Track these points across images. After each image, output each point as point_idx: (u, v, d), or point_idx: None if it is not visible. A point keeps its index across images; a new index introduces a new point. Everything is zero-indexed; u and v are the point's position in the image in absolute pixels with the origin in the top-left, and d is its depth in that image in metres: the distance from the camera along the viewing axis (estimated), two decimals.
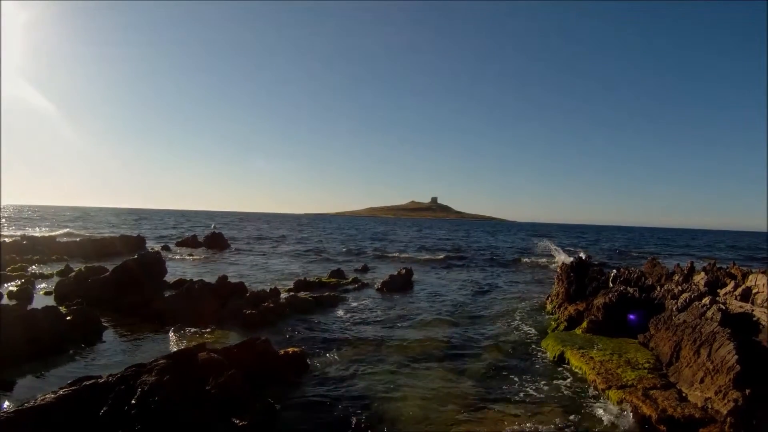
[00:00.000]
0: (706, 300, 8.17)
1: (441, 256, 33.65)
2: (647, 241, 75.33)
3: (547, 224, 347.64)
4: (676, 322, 8.12)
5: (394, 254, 34.68)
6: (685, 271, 13.52)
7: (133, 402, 4.78)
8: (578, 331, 10.74)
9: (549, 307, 14.15)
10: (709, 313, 7.53)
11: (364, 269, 23.42)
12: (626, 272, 12.82)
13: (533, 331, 11.72)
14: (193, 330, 10.21)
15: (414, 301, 15.87)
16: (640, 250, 47.76)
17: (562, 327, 11.45)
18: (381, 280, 18.24)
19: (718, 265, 13.12)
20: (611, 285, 12.37)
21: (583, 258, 14.23)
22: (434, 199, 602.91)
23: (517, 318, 13.24)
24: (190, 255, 26.19)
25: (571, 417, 6.70)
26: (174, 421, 4.76)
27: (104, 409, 4.77)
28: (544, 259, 30.38)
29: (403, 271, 20.07)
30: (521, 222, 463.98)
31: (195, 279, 12.55)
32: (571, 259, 16.34)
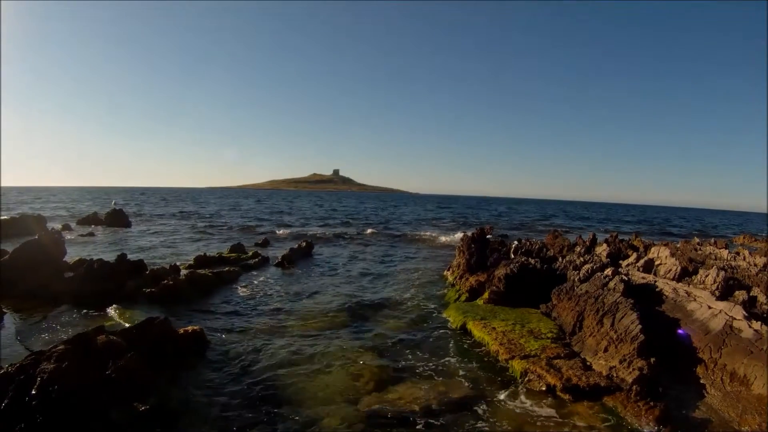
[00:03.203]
0: (608, 271, 8.29)
1: (342, 229, 33.14)
2: (554, 213, 77.54)
3: (451, 196, 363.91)
4: (578, 293, 8.16)
5: (295, 227, 33.60)
6: (587, 243, 14.05)
7: (33, 392, 4.75)
8: (480, 302, 10.64)
9: (450, 278, 14.05)
10: (611, 284, 7.60)
11: (265, 243, 22.31)
12: (528, 243, 13.00)
13: (435, 302, 11.56)
14: (92, 312, 9.92)
15: (314, 275, 15.14)
16: (546, 223, 49.27)
17: (463, 298, 11.31)
18: (282, 254, 17.21)
19: (620, 237, 13.82)
20: (513, 256, 12.44)
21: (484, 229, 14.24)
22: (336, 172, 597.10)
23: (418, 289, 13.03)
24: (91, 233, 24.88)
25: (475, 388, 6.51)
26: (74, 409, 4.78)
27: (5, 402, 4.66)
28: (444, 232, 31.12)
29: (304, 244, 19.43)
30: (425, 194, 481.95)
31: (95, 258, 12.13)
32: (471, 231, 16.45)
